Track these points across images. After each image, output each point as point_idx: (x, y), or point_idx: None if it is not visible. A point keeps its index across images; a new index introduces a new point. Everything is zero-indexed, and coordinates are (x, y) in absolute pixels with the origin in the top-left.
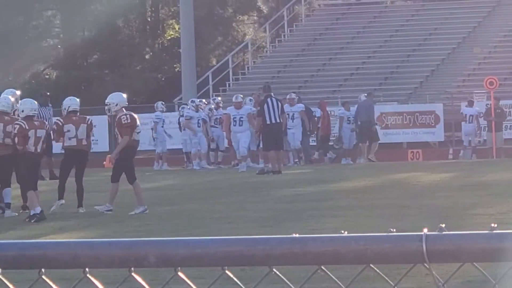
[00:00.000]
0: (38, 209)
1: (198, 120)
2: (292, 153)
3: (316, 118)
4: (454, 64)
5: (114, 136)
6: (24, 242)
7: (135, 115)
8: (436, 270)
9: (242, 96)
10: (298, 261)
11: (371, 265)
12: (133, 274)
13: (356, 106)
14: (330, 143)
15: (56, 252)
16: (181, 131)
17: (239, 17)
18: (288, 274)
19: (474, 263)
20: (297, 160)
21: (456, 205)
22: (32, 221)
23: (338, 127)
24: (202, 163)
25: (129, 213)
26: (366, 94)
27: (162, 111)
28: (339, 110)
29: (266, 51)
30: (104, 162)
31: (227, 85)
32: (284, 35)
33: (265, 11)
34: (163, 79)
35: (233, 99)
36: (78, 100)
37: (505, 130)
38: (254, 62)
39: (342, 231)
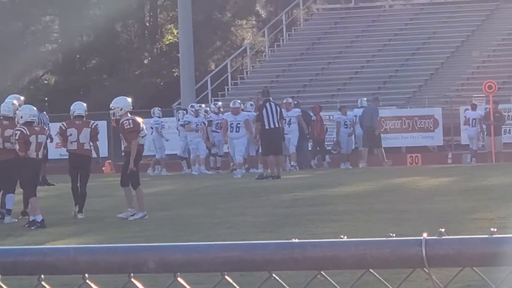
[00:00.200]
0: (39, 217)
1: (198, 125)
2: (288, 158)
3: (314, 122)
4: (453, 68)
5: (114, 141)
6: (23, 248)
7: (139, 119)
8: (435, 275)
9: (240, 101)
10: (297, 266)
11: (370, 270)
12: (132, 279)
13: (354, 110)
14: (327, 148)
15: (55, 258)
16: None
17: (238, 22)
18: (288, 279)
19: (474, 267)
20: (294, 164)
21: (456, 209)
22: (32, 227)
23: (336, 131)
24: (200, 168)
25: (128, 218)
26: (366, 99)
27: (159, 117)
28: (336, 114)
29: (265, 56)
30: (104, 168)
31: (226, 89)
32: (282, 40)
33: (263, 15)
34: (161, 84)
35: (231, 105)
36: (84, 105)
37: (504, 134)
38: (253, 66)
39: (342, 236)
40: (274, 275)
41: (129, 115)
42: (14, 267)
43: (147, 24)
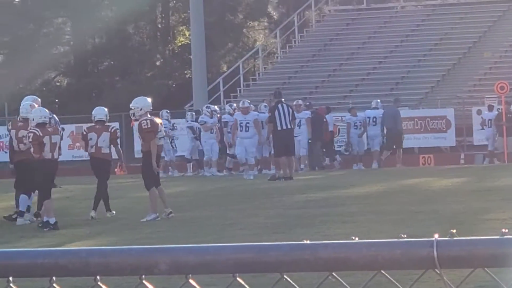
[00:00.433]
0: (53, 220)
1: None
2: (299, 160)
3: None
4: (465, 69)
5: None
6: (35, 250)
7: (158, 120)
8: (447, 276)
9: (249, 101)
10: (309, 268)
11: (382, 271)
12: (144, 281)
13: (366, 111)
14: (337, 149)
15: (67, 260)
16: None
17: (250, 23)
18: (299, 280)
19: (486, 268)
20: (303, 166)
21: (468, 210)
22: (45, 229)
23: (346, 133)
24: (212, 170)
25: (141, 220)
26: (379, 100)
27: (168, 119)
28: (344, 116)
29: (277, 57)
30: (116, 170)
31: (238, 91)
32: (294, 41)
33: (275, 17)
34: (174, 85)
35: (240, 105)
36: (105, 110)
37: None
38: (264, 68)
39: (353, 237)
40: (285, 276)
41: (148, 115)
42: (26, 269)
43: (159, 26)
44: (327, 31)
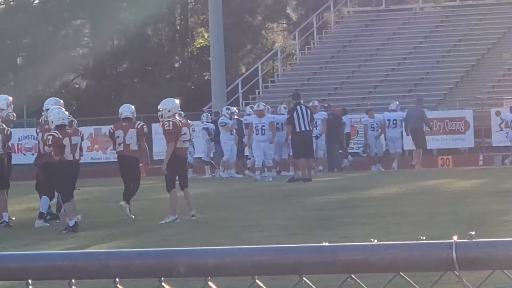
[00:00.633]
0: (72, 222)
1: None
2: (317, 161)
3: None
4: (484, 70)
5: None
6: (54, 252)
7: (185, 122)
8: (466, 278)
9: (264, 104)
10: (328, 270)
11: (401, 273)
12: (163, 284)
13: (384, 113)
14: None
15: (86, 262)
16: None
17: (269, 25)
18: (318, 282)
19: (505, 270)
20: (321, 168)
21: (487, 211)
22: (64, 231)
23: (364, 134)
24: (231, 171)
25: (159, 222)
26: (397, 103)
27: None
28: (363, 118)
29: (296, 59)
30: None
31: (257, 92)
32: (313, 43)
33: (294, 18)
34: (192, 87)
35: (255, 107)
36: (132, 107)
37: None
38: (283, 69)
39: (372, 239)
40: (305, 278)
41: (177, 117)
42: (45, 272)
43: (178, 28)
44: (346, 32)
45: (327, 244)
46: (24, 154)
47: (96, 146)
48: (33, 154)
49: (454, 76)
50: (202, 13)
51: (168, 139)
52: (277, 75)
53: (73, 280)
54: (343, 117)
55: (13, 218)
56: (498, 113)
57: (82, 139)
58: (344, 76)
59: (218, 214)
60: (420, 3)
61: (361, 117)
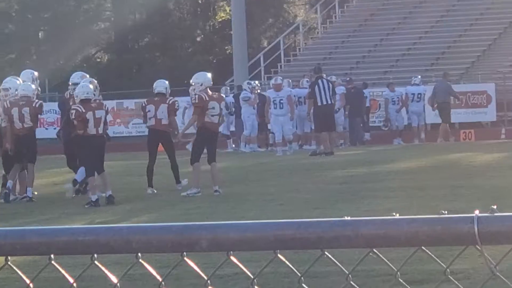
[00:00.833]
0: (94, 197)
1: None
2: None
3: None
4: (506, 43)
5: None
6: (77, 227)
7: (217, 96)
8: (488, 252)
9: (281, 78)
10: (350, 244)
11: (423, 247)
12: (185, 258)
13: (407, 87)
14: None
15: (108, 237)
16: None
17: None
18: (340, 256)
19: None
20: (342, 142)
21: (509, 185)
22: (86, 206)
23: (385, 108)
24: (253, 146)
25: (182, 193)
26: (420, 76)
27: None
28: (384, 91)
29: (317, 33)
30: None
31: (279, 66)
32: (335, 16)
33: None
34: (214, 61)
35: (272, 81)
36: (166, 82)
37: None
38: (305, 43)
39: (394, 214)
40: (326, 252)
41: (209, 90)
42: (67, 246)
43: (200, 2)
44: (367, 6)
45: (349, 218)
46: (46, 129)
47: (118, 120)
48: (55, 128)
49: (476, 49)
50: None
51: (195, 112)
52: (299, 49)
53: (95, 255)
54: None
55: (36, 193)
56: None
57: (107, 113)
58: (365, 50)
59: (240, 188)
60: None
61: (383, 91)
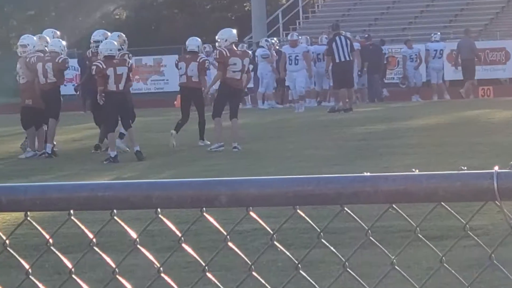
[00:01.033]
0: (113, 153)
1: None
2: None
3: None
4: None
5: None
6: (96, 183)
7: (241, 52)
8: (507, 207)
9: (297, 34)
10: (369, 200)
11: (442, 203)
12: (204, 214)
13: (427, 44)
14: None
15: (128, 193)
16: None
17: None
18: (360, 212)
19: None
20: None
21: None
22: (105, 162)
23: (402, 66)
24: (271, 102)
25: (207, 148)
26: (439, 33)
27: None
28: (401, 48)
29: None
30: (175, 102)
31: (297, 23)
32: None
33: None
34: (232, 18)
35: (289, 37)
36: (199, 40)
37: None
38: (324, 0)
39: (413, 169)
40: (346, 208)
41: (233, 46)
42: (87, 202)
43: None
44: None
45: (368, 174)
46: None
47: (136, 77)
48: (73, 85)
49: (495, 6)
50: None
51: (218, 68)
52: (318, 5)
53: (114, 211)
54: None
55: (56, 149)
56: None
57: (130, 70)
58: (384, 6)
59: (259, 145)
60: None
61: (401, 48)
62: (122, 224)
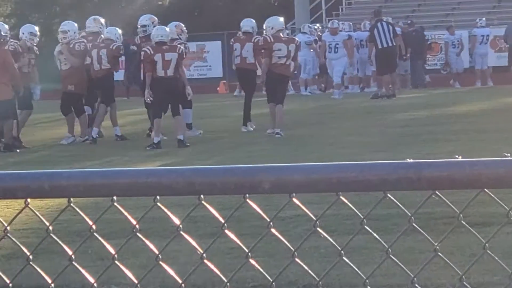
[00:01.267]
0: (156, 139)
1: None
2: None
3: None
4: None
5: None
6: (139, 169)
7: (284, 38)
8: None
9: (337, 21)
10: (412, 187)
11: (485, 189)
12: (247, 200)
13: (474, 29)
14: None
15: (171, 179)
16: None
17: None
18: (403, 199)
19: None
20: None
21: None
22: (148, 148)
23: (444, 52)
24: (313, 88)
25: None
26: (485, 18)
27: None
28: (444, 35)
29: None
30: (218, 88)
31: (340, 9)
32: None
33: None
34: (275, 4)
35: (329, 25)
36: (253, 21)
37: None
38: None
39: (457, 156)
40: (389, 195)
41: (280, 34)
42: (130, 188)
43: None
44: None
45: (411, 160)
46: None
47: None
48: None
49: None
50: None
51: (263, 54)
52: None
53: (157, 197)
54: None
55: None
56: None
57: (180, 57)
58: None
59: (301, 131)
60: None
61: (443, 34)
62: (165, 210)
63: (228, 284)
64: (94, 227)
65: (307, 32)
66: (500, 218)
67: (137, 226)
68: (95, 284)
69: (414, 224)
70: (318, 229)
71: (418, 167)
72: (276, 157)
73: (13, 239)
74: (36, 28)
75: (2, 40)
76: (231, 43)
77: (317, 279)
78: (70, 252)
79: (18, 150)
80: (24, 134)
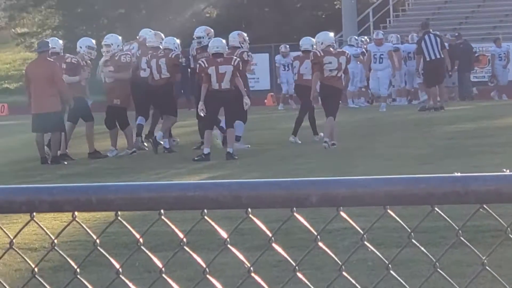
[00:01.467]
0: (206, 150)
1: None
2: None
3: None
4: None
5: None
6: (186, 183)
7: (333, 51)
8: None
9: (382, 33)
10: (459, 200)
11: None
12: (295, 214)
13: None
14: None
15: (217, 193)
16: None
17: None
18: (450, 212)
19: None
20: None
21: None
22: (196, 158)
23: (491, 64)
24: (359, 101)
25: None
26: None
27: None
28: (491, 47)
29: None
30: (266, 100)
31: (388, 22)
32: None
33: None
34: (323, 16)
35: (374, 36)
36: (312, 39)
37: None
38: None
39: (504, 170)
40: (436, 208)
41: (331, 49)
42: (177, 202)
43: None
44: None
45: (459, 174)
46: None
47: None
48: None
49: None
50: None
51: (314, 69)
52: (408, 4)
53: (205, 210)
54: None
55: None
56: None
57: (238, 68)
58: (474, 5)
59: (348, 143)
60: None
61: (490, 46)
62: (212, 223)
63: None
64: (141, 240)
65: (354, 44)
66: None
67: (184, 239)
68: None
69: (461, 238)
70: (365, 242)
71: (466, 181)
72: (323, 170)
73: (60, 252)
74: (93, 41)
75: (56, 55)
76: (291, 61)
77: None
78: (117, 265)
79: (65, 163)
80: (71, 147)
